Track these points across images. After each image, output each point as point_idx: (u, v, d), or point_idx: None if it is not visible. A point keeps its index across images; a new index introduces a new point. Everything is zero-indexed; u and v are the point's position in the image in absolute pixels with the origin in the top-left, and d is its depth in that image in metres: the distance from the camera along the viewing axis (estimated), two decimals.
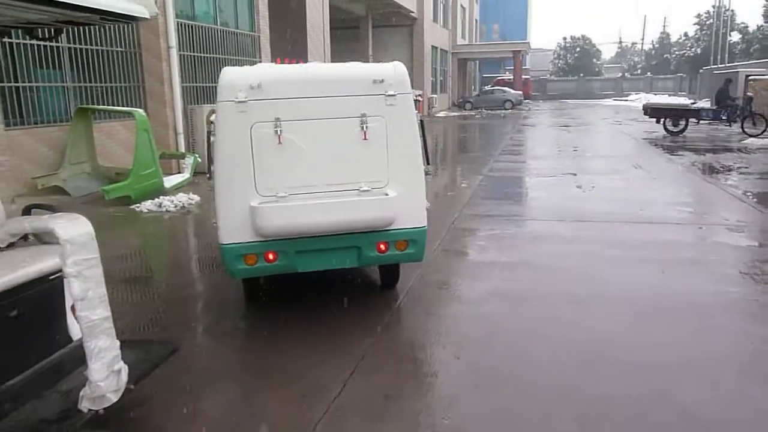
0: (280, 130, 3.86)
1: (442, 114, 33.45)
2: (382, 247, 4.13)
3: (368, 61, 29.02)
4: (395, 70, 4.12)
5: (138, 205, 8.46)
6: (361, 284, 5.05)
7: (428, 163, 4.53)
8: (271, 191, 3.91)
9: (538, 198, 9.51)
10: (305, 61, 17.33)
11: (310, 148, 3.95)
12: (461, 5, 43.65)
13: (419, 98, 30.95)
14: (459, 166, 14.03)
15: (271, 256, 4.01)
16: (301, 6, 16.81)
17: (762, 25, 43.81)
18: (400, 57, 32.20)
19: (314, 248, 4.05)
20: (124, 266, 5.96)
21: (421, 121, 4.34)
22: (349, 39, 28.45)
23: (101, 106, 9.83)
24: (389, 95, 4.00)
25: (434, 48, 34.87)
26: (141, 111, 9.27)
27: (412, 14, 30.16)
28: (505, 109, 36.44)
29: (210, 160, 4.14)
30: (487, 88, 43.06)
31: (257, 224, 3.83)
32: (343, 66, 4.28)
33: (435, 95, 34.47)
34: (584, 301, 4.64)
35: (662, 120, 18.21)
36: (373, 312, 4.47)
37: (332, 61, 22.64)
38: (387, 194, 3.99)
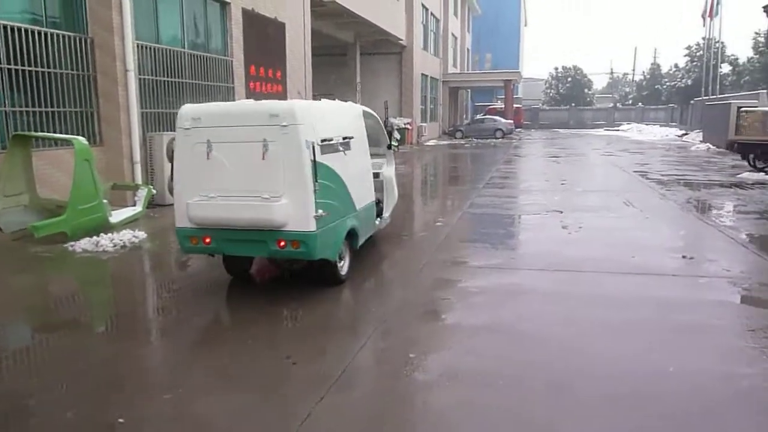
0: (210, 150, 5.18)
1: (431, 142, 32.82)
2: (282, 243, 5.15)
3: (356, 89, 28.85)
4: (289, 106, 5.12)
5: (73, 243, 7.57)
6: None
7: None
8: (204, 193, 5.23)
9: (519, 241, 8.70)
10: (284, 88, 16.76)
11: (229, 164, 5.16)
12: (452, 34, 43.45)
13: (408, 126, 30.55)
14: (439, 200, 13.24)
15: (207, 240, 5.36)
16: (280, 31, 16.16)
17: (752, 57, 43.82)
18: (389, 84, 31.81)
19: (235, 238, 5.29)
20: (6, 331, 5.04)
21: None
22: (336, 66, 27.93)
23: (38, 133, 8.97)
24: (282, 126, 4.99)
25: (424, 76, 34.41)
26: (81, 139, 8.40)
27: (401, 42, 29.72)
28: (496, 138, 35.90)
29: (172, 170, 5.65)
30: (478, 116, 42.63)
31: (188, 215, 5.29)
32: (254, 103, 5.56)
33: (425, 123, 33.90)
34: (563, 388, 3.76)
35: (749, 156, 16.72)
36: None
37: (315, 88, 22.14)
38: (279, 203, 5.00)
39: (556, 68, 62.41)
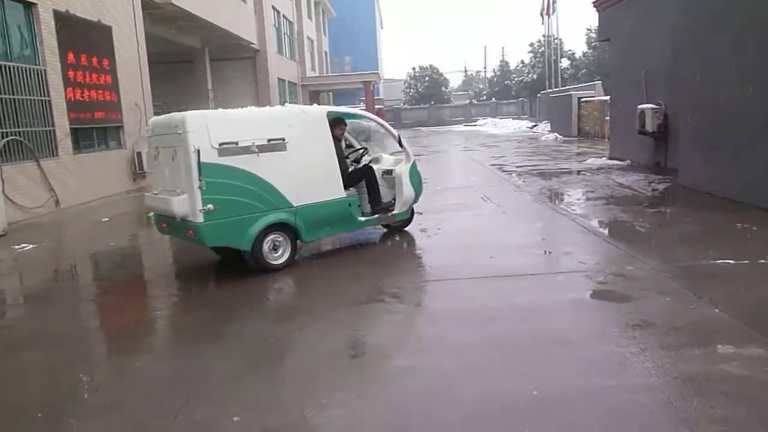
0: (157, 154, 6.54)
1: None
2: (190, 231, 6.16)
3: (209, 97, 27.16)
4: (181, 117, 6.01)
5: None
6: None
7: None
8: (156, 188, 6.68)
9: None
10: (118, 97, 15.04)
11: (165, 165, 6.37)
12: (308, 37, 42.73)
13: None
14: None
15: (163, 225, 6.72)
16: (106, 36, 14.45)
17: (586, 52, 47.61)
18: (245, 90, 30.34)
19: (172, 224, 6.42)
20: None
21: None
22: (185, 73, 26.08)
23: None
24: (179, 133, 5.94)
25: (281, 80, 33.34)
26: None
27: (253, 46, 28.45)
28: None
29: None
30: None
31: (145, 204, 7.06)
32: (171, 114, 6.37)
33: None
34: None
35: None
36: None
37: (163, 97, 20.41)
38: (179, 197, 6.03)
39: (414, 68, 63.84)
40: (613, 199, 10.31)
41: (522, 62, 56.30)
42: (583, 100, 28.36)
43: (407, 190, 7.76)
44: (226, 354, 4.51)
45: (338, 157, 7.29)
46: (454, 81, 77.61)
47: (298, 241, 6.81)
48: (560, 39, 44.95)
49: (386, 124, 8.11)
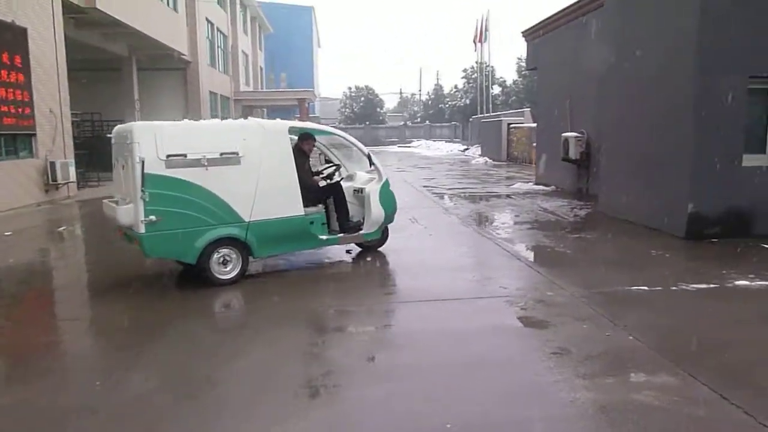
0: (116, 162, 6.59)
1: None
2: (136, 242, 6.19)
3: (135, 107, 26.12)
4: (129, 128, 6.13)
5: None
6: None
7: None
8: (115, 196, 6.76)
9: None
10: (30, 100, 14.13)
11: (122, 174, 6.42)
12: (243, 51, 42.13)
13: None
14: None
15: (120, 233, 6.67)
16: (21, 39, 13.59)
17: (517, 80, 49.34)
18: (174, 102, 29.40)
19: (128, 234, 6.39)
20: None
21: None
22: (111, 82, 24.99)
23: None
24: (128, 143, 6.01)
25: (213, 94, 32.59)
26: None
27: (184, 57, 27.66)
28: None
29: None
30: None
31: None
32: (124, 125, 6.54)
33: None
34: None
35: None
36: None
37: (84, 105, 19.49)
38: (125, 207, 6.13)
39: (350, 88, 64.17)
40: (537, 223, 10.52)
41: (456, 87, 57.68)
42: (512, 126, 29.23)
43: (376, 209, 7.57)
44: (143, 383, 4.15)
45: (306, 173, 7.17)
46: (390, 102, 78.61)
47: (251, 257, 6.71)
48: (492, 66, 46.47)
49: (357, 143, 7.96)
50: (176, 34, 25.64)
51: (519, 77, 48.73)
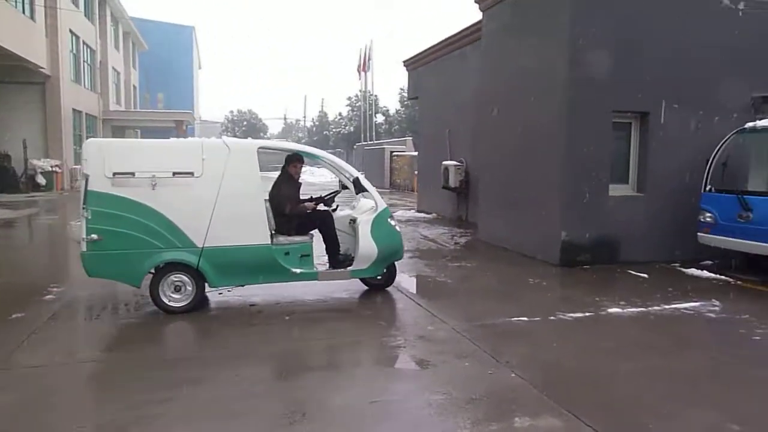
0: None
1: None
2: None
3: None
4: (84, 144, 6.08)
5: None
6: None
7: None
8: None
9: None
10: None
11: None
12: (114, 68, 39.43)
13: (56, 169, 25.89)
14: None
15: None
16: None
17: (399, 109, 50.54)
18: (30, 120, 26.58)
19: None
20: None
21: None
22: None
23: None
24: (84, 159, 5.92)
25: (77, 112, 29.95)
26: None
27: (42, 71, 25.19)
28: None
29: None
30: None
31: None
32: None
33: (79, 166, 29.31)
34: None
35: None
36: None
37: None
38: (76, 224, 6.37)
39: (232, 111, 62.53)
40: (418, 252, 10.33)
41: (340, 114, 58.10)
42: (395, 154, 29.60)
43: (366, 244, 6.65)
44: None
45: (290, 199, 6.66)
46: (274, 128, 77.52)
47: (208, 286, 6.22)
48: (376, 95, 47.27)
49: (345, 165, 7.30)
50: (32, 44, 23.28)
51: (402, 107, 49.96)
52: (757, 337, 5.66)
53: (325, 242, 6.93)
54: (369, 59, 39.52)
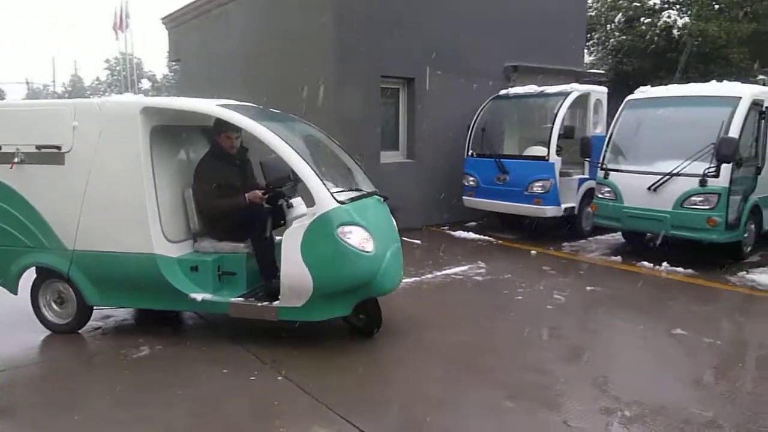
0: None
1: None
2: None
3: None
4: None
5: None
6: None
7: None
8: None
9: None
10: None
11: None
12: None
13: None
14: None
15: None
16: None
17: (167, 74, 46.62)
18: None
19: None
20: None
21: None
22: None
23: None
24: None
25: None
26: None
27: None
28: None
29: None
30: None
31: None
32: None
33: None
34: None
35: None
36: None
37: None
38: None
39: None
40: None
41: (98, 79, 51.85)
42: None
43: (291, 267, 4.18)
44: None
45: (219, 188, 4.65)
46: (15, 94, 66.14)
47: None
48: (140, 58, 42.86)
49: (279, 144, 4.26)
50: None
51: (170, 71, 46.09)
52: (519, 297, 5.89)
53: (255, 255, 4.75)
54: (126, 17, 35.28)
